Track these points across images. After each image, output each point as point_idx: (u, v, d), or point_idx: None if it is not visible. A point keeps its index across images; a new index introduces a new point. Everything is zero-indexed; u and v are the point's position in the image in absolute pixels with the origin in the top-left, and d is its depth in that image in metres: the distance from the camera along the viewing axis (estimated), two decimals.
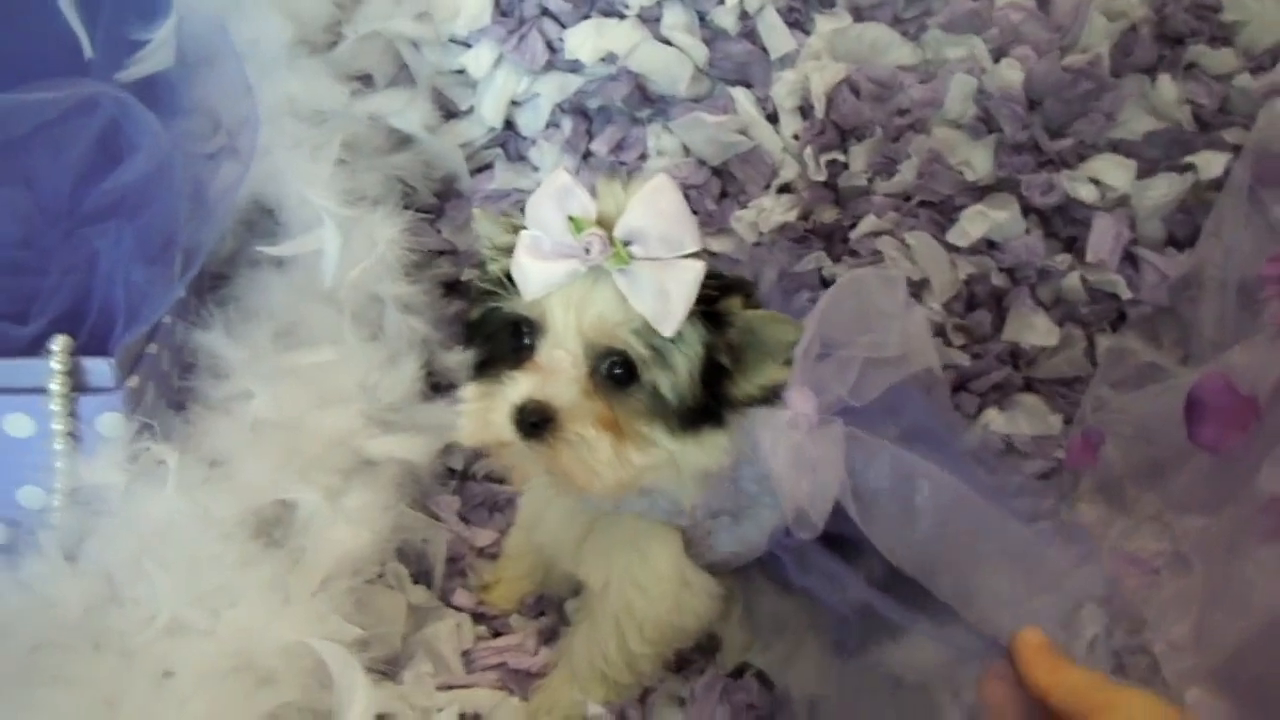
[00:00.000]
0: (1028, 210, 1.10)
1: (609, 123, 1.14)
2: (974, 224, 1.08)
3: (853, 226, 1.11)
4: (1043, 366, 1.12)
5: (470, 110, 1.14)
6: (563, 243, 0.64)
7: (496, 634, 0.90)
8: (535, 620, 0.91)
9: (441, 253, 1.15)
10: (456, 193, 1.15)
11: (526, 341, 0.67)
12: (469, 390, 0.70)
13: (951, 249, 1.10)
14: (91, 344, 0.76)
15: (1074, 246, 1.11)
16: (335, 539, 0.77)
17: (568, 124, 1.14)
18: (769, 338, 0.66)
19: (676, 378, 0.64)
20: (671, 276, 0.62)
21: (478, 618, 0.91)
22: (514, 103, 1.13)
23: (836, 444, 0.76)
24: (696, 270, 0.63)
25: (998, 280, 1.10)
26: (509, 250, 0.68)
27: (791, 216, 1.10)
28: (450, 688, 0.82)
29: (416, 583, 0.90)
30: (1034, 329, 1.10)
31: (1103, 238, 1.07)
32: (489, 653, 0.87)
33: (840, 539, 0.75)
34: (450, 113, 1.14)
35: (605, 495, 0.68)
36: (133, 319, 0.76)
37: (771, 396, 0.69)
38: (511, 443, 0.66)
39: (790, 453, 0.75)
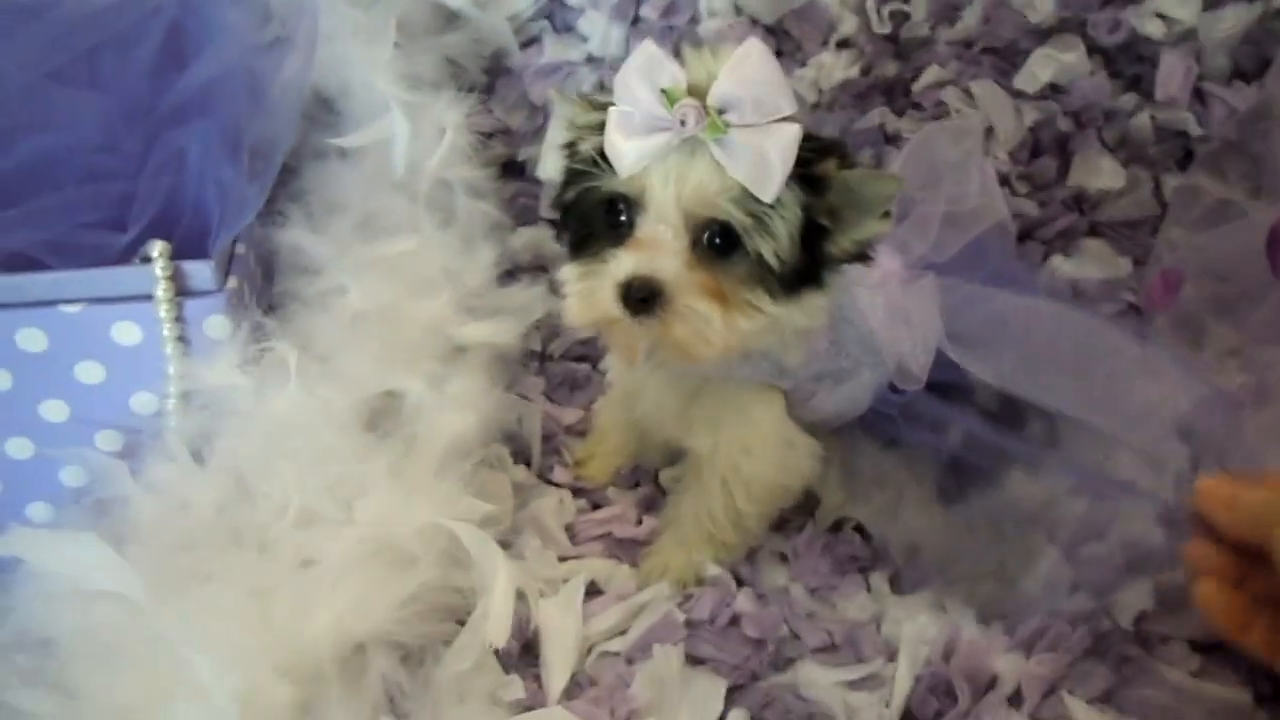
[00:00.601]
0: (1092, 50, 1.08)
1: None
2: (1042, 67, 1.07)
3: (914, 79, 1.09)
4: (1109, 210, 1.13)
5: None
6: (655, 116, 0.63)
7: (596, 506, 0.92)
8: (632, 491, 0.94)
9: (494, 133, 1.13)
10: (506, 70, 1.13)
11: (623, 219, 0.67)
12: (569, 271, 0.70)
13: (1016, 95, 1.08)
14: (184, 248, 0.75)
15: (1139, 85, 1.10)
16: (445, 424, 0.78)
17: None
18: (868, 193, 0.66)
19: (777, 243, 0.65)
20: (769, 142, 0.62)
21: (576, 492, 0.93)
22: None
23: (929, 294, 0.78)
24: (793, 133, 0.63)
25: (1063, 125, 1.10)
26: (596, 128, 0.67)
27: (853, 72, 1.08)
28: (564, 559, 0.85)
29: (516, 463, 0.92)
30: (1100, 172, 1.11)
31: (1171, 74, 1.06)
32: (592, 525, 0.89)
33: (942, 387, 0.76)
34: None
35: (714, 363, 0.69)
36: (226, 219, 0.75)
37: (866, 253, 0.70)
38: (619, 320, 0.66)
39: (886, 308, 0.77)
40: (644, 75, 0.63)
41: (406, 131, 0.90)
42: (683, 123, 0.62)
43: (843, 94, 1.08)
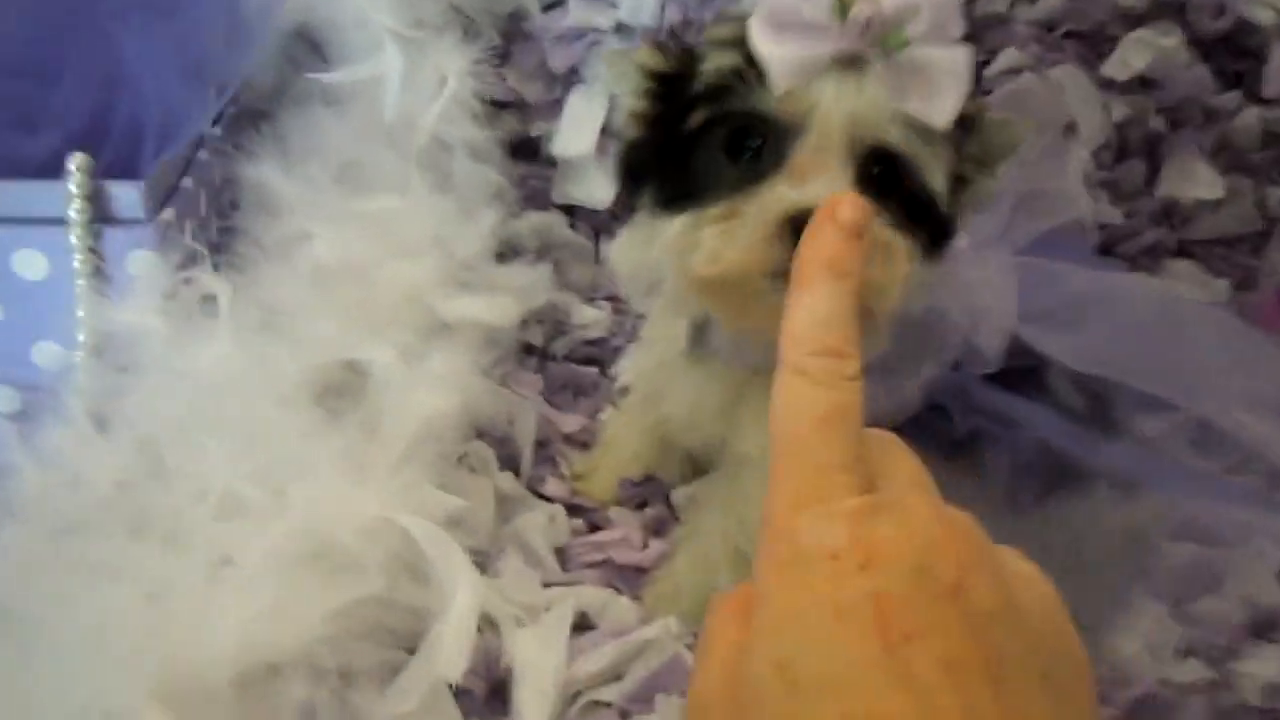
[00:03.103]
0: (1191, 41, 0.97)
1: None
2: (1134, 54, 0.96)
3: (988, 63, 0.98)
4: (1203, 225, 1.02)
5: None
6: (813, 23, 0.54)
7: (595, 528, 0.78)
8: (638, 512, 0.79)
9: (507, 104, 1.01)
10: (524, 34, 1.01)
11: (751, 152, 0.57)
12: (687, 221, 0.58)
13: (1104, 86, 0.97)
14: (115, 169, 0.63)
15: (1243, 82, 1.00)
16: (416, 405, 0.65)
17: None
18: (1001, 141, 0.61)
19: (938, 184, 0.57)
20: (945, 62, 0.55)
21: (572, 510, 0.79)
22: None
23: (1004, 272, 0.73)
24: (969, 56, 0.56)
25: (1155, 124, 0.99)
26: (728, 43, 0.57)
27: None
28: (549, 585, 0.71)
29: (502, 469, 0.78)
30: (1195, 180, 0.99)
31: None
32: (588, 548, 0.75)
33: (1014, 376, 0.70)
34: None
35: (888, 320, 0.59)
36: (165, 138, 0.63)
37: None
38: (760, 275, 0.55)
39: (955, 286, 0.69)
40: None
41: (400, 71, 0.79)
42: (868, 26, 0.53)
43: None
